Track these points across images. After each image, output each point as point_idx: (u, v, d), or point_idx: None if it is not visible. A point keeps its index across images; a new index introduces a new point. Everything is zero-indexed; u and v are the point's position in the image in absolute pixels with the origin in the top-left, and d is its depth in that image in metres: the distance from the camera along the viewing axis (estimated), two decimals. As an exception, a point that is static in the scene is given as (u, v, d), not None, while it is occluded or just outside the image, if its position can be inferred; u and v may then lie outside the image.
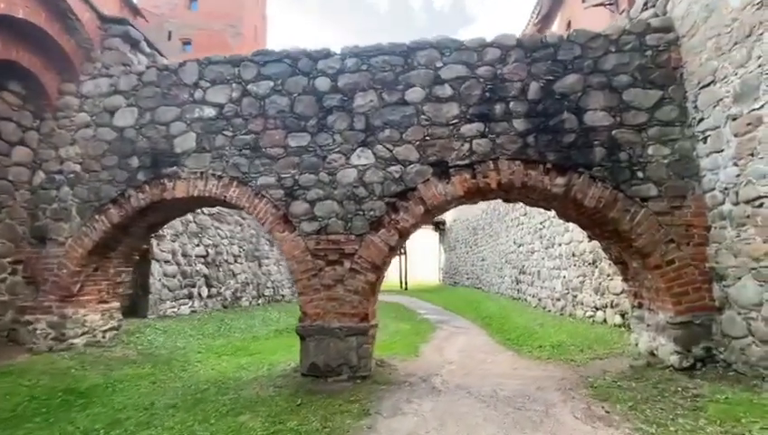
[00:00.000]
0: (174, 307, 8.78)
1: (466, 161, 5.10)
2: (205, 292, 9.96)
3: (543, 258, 10.48)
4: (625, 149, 4.88)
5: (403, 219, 5.15)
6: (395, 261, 43.32)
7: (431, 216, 5.53)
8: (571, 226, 8.66)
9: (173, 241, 8.74)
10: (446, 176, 5.14)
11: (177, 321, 8.58)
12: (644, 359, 4.91)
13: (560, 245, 9.36)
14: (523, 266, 12.30)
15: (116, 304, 6.66)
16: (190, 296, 9.42)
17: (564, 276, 9.00)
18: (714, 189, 4.51)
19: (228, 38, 27.97)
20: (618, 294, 6.78)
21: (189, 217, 9.54)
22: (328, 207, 5.33)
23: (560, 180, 4.90)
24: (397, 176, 5.24)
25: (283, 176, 5.49)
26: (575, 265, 8.48)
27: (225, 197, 5.63)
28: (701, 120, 4.62)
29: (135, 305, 8.04)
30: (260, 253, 12.53)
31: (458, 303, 16.80)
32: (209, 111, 5.84)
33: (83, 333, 6.11)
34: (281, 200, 5.45)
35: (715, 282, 4.49)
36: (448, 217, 30.46)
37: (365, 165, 5.33)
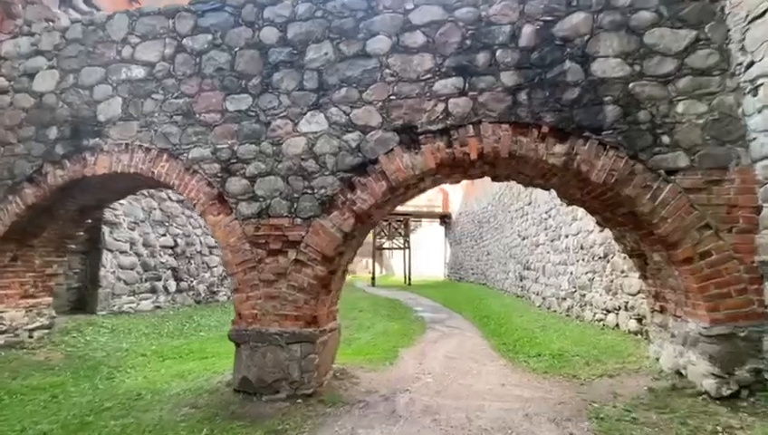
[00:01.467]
0: (132, 302, 7.94)
1: (440, 126, 4.03)
2: (173, 286, 9.11)
3: (549, 252, 9.33)
4: (646, 106, 3.74)
5: (360, 199, 4.11)
6: (398, 256, 42.60)
7: (397, 197, 4.48)
8: (580, 213, 7.50)
9: (131, 229, 7.89)
10: (415, 144, 4.08)
11: (134, 318, 7.74)
12: (667, 380, 3.80)
13: (566, 236, 8.20)
14: (528, 261, 11.15)
15: (46, 300, 5.81)
16: (154, 291, 8.58)
17: (571, 273, 7.86)
18: (766, 158, 3.36)
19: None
20: (633, 295, 5.64)
21: (153, 203, 8.68)
22: (270, 185, 4.34)
23: (559, 148, 3.79)
24: (354, 145, 4.21)
25: (219, 147, 4.51)
26: (584, 260, 7.33)
27: (153, 173, 4.68)
28: (750, 64, 3.45)
29: (83, 300, 7.22)
30: (240, 244, 11.69)
31: (459, 300, 15.71)
32: (138, 72, 4.89)
33: (1, 333, 5.27)
34: (216, 177, 4.48)
35: (766, 281, 3.35)
36: (454, 210, 29.26)
37: (316, 132, 4.31)
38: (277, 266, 4.19)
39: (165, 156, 4.66)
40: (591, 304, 6.90)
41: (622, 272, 5.89)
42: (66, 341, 5.91)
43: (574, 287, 7.70)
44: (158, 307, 8.67)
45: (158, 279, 8.71)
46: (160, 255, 8.77)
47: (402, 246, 30.04)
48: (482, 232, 20.61)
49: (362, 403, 3.94)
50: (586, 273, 7.13)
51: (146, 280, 8.35)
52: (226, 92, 4.59)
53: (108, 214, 7.50)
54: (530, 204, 11.18)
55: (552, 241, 9.15)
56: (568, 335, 6.41)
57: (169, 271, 9.02)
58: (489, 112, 3.96)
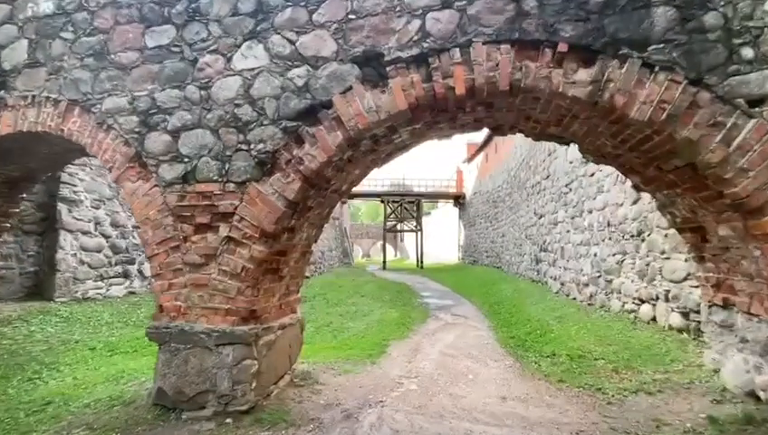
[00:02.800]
0: (100, 288, 7.23)
1: (415, 51, 2.91)
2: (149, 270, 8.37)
3: (568, 231, 8.10)
4: (716, 5, 2.51)
5: (309, 156, 3.07)
6: (410, 239, 41.86)
7: (365, 155, 3.41)
8: (606, 184, 6.24)
9: (95, 208, 7.11)
10: (381, 79, 2.97)
11: (101, 305, 7.03)
12: (736, 404, 2.68)
13: (589, 212, 6.96)
14: (544, 242, 9.93)
15: (-22, 286, 5.06)
16: (126, 275, 7.85)
17: (595, 254, 6.66)
18: None
19: None
20: (678, 282, 4.44)
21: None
22: (197, 140, 3.34)
23: (583, 74, 2.62)
24: (300, 84, 3.14)
25: (136, 95, 3.52)
26: (610, 239, 6.11)
27: (63, 131, 3.74)
28: None
29: (40, 286, 6.52)
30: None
31: (470, 284, 14.66)
32: (46, 6, 3.91)
33: None
34: (133, 133, 3.51)
35: None
36: (469, 190, 27.86)
37: (254, 69, 3.25)
38: (206, 246, 3.23)
39: (76, 110, 3.70)
40: (620, 292, 5.72)
41: (662, 253, 4.68)
42: (5, 332, 5.20)
43: (598, 271, 6.51)
44: (131, 293, 7.96)
45: (132, 262, 7.98)
46: (134, 236, 8.00)
47: (414, 229, 28.94)
48: (496, 212, 19.31)
49: (313, 424, 3.00)
50: (614, 254, 5.92)
51: (116, 263, 7.62)
52: (146, 24, 3.56)
53: (65, 190, 6.72)
54: (547, 177, 9.88)
55: (572, 218, 7.91)
56: (590, 330, 5.28)
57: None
58: (483, 29, 2.80)
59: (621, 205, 5.67)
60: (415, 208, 28.82)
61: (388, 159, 3.87)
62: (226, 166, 3.25)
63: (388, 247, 60.58)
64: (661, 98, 2.49)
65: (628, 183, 5.54)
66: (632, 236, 5.35)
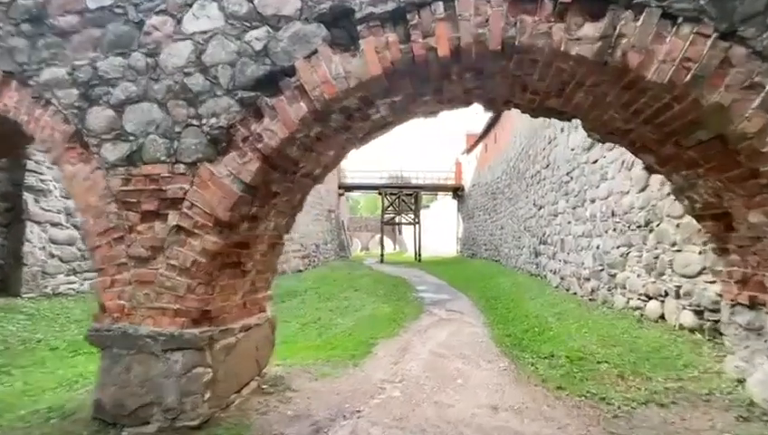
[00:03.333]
0: (73, 283, 6.83)
1: (390, 6, 2.45)
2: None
3: (569, 222, 7.67)
4: (754, -59, 2.05)
5: (268, 132, 2.63)
6: (409, 232, 41.60)
7: (337, 132, 2.97)
8: (611, 171, 5.80)
9: (66, 197, 6.67)
10: (352, 42, 2.52)
11: (72, 301, 6.64)
12: (766, 421, 2.27)
13: (592, 202, 6.52)
14: (544, 234, 9.51)
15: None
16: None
17: (597, 247, 6.24)
18: None
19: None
20: (691, 277, 4.02)
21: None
22: (144, 115, 2.90)
23: (589, 29, 2.17)
24: (259, 48, 2.68)
25: (77, 64, 3.07)
26: (614, 231, 5.69)
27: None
28: None
29: (7, 281, 6.11)
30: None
31: (467, 278, 14.28)
32: (-22, -34, 3.44)
33: None
34: (73, 108, 3.06)
35: None
36: (467, 182, 27.38)
37: (207, 32, 2.80)
38: (152, 237, 2.81)
39: (13, 83, 3.26)
40: (624, 287, 5.31)
41: (673, 245, 4.26)
42: (-42, 331, 4.80)
43: (601, 265, 6.09)
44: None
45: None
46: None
47: (412, 222, 28.52)
48: (495, 205, 18.88)
49: (275, 441, 2.60)
50: (618, 247, 5.50)
51: (90, 257, 7.19)
52: (87, -17, 3.10)
53: (31, 179, 6.28)
54: (547, 166, 9.42)
55: (573, 209, 7.48)
56: (592, 328, 4.88)
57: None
58: (470, -23, 2.34)
59: (627, 193, 5.24)
60: (413, 201, 28.36)
61: (366, 139, 3.43)
62: (175, 144, 2.81)
63: (387, 240, 60.38)
64: (685, 55, 2.04)
65: (635, 170, 5.11)
66: (639, 226, 4.92)
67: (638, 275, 4.91)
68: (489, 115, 20.14)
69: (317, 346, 5.36)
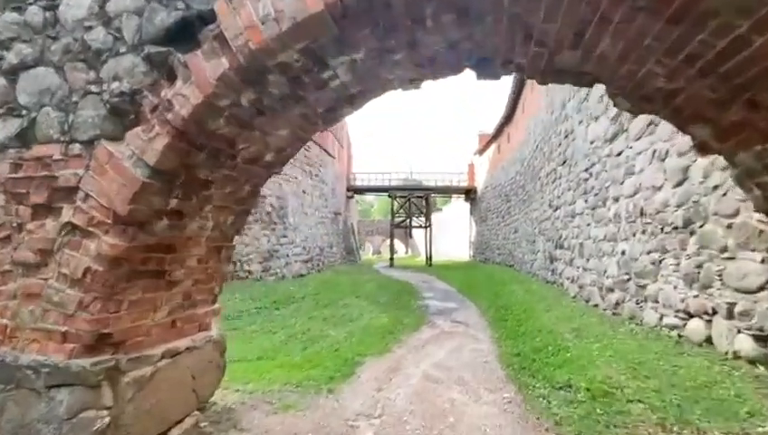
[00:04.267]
0: None
1: None
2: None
3: (589, 224, 6.81)
4: None
5: (180, 97, 1.97)
6: (420, 235, 40.98)
7: (274, 105, 2.28)
8: (639, 164, 4.96)
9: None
10: (288, -29, 1.84)
11: None
12: None
13: (615, 200, 5.67)
14: (560, 238, 8.64)
15: None
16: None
17: (623, 252, 5.39)
18: None
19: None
20: (751, 292, 3.17)
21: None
22: (38, 82, 2.29)
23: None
24: (172, -12, 2.04)
25: (-30, 24, 2.49)
26: (644, 233, 4.84)
27: None
28: None
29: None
30: (208, 219, 9.91)
31: (478, 284, 13.42)
32: None
33: None
34: (-37, 77, 2.47)
35: None
36: (480, 183, 26.43)
37: (112, -27, 2.17)
38: (43, 238, 2.18)
39: None
40: (657, 301, 4.46)
41: (723, 251, 3.41)
42: None
43: (627, 273, 5.24)
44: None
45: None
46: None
47: (423, 225, 27.68)
48: (509, 207, 17.96)
49: None
50: (648, 252, 4.65)
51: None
52: (-15, -74, 2.53)
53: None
54: (564, 163, 8.55)
55: (593, 209, 6.62)
56: (618, 350, 4.05)
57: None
58: None
59: (659, 188, 4.40)
60: (424, 204, 27.55)
61: (331, 117, 2.74)
62: (71, 118, 2.19)
63: (399, 244, 59.69)
64: (779, -50, 1.29)
65: (670, 160, 4.27)
66: (676, 228, 4.08)
67: (675, 287, 4.05)
68: (501, 116, 19.26)
69: (294, 365, 4.68)
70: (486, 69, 2.49)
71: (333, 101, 2.56)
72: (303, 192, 14.95)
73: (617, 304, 5.46)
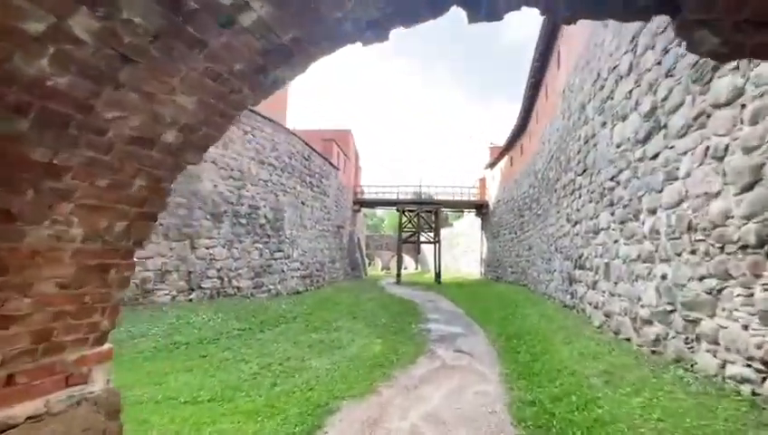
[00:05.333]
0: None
1: None
2: (73, 282, 6.76)
3: (616, 241, 5.80)
4: None
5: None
6: (429, 251, 39.97)
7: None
8: (684, 166, 4.00)
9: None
10: None
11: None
12: None
13: (652, 212, 4.68)
14: (581, 257, 7.60)
15: None
16: None
17: (664, 276, 4.36)
18: None
19: None
20: None
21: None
22: None
23: None
24: None
25: None
26: (694, 253, 3.83)
27: None
28: None
29: None
30: (192, 229, 9.17)
31: (488, 306, 12.34)
32: None
33: None
34: None
35: None
36: (492, 197, 25.37)
37: None
38: None
39: None
40: (717, 343, 3.42)
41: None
42: None
43: (671, 303, 4.21)
44: (43, 311, 6.32)
45: None
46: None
47: (432, 240, 26.62)
48: (522, 222, 16.89)
49: None
50: (701, 278, 3.63)
51: None
52: None
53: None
54: (584, 172, 7.57)
55: (621, 223, 5.61)
56: (668, 411, 3.02)
57: (68, 262, 6.68)
58: None
59: (716, 195, 3.42)
60: (433, 218, 26.56)
61: (260, 81, 1.90)
62: None
63: (409, 260, 58.50)
64: None
65: (733, 158, 3.31)
66: (743, 247, 3.07)
67: (746, 327, 3.03)
68: (514, 125, 18.38)
69: (251, 411, 3.76)
70: (481, 3, 1.62)
71: (257, 53, 1.73)
72: (303, 203, 14.20)
73: (656, 340, 4.41)
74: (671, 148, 4.24)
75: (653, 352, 4.46)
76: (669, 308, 4.17)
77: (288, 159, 12.95)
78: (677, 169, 4.09)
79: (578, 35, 8.39)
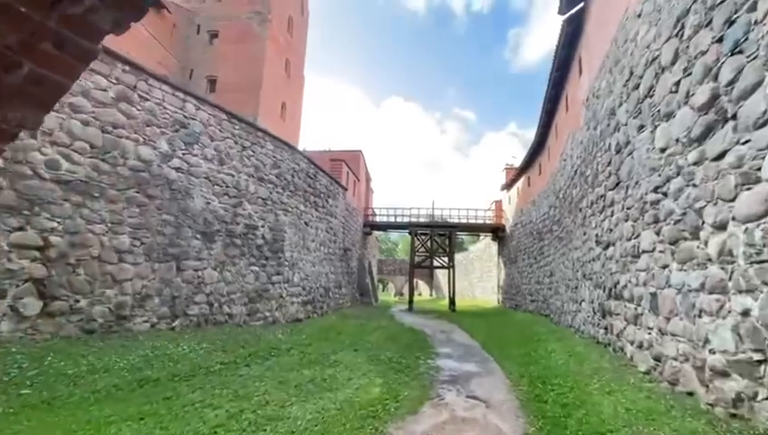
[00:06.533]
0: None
1: None
2: (33, 306, 5.99)
3: (666, 266, 4.70)
4: None
5: None
6: (443, 275, 38.67)
7: None
8: (773, 163, 2.97)
9: (-67, 215, 4.93)
10: None
11: None
12: None
13: (719, 228, 3.63)
14: (616, 284, 6.46)
15: None
16: (-14, 314, 5.50)
17: (746, 313, 3.26)
18: None
19: (254, 25, 25.85)
20: None
21: (0, 179, 5.71)
22: None
23: None
24: None
25: None
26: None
27: None
28: None
29: None
30: (179, 249, 8.41)
31: (506, 338, 11.08)
32: None
33: None
34: None
35: None
36: (508, 221, 24.16)
37: None
38: None
39: None
40: None
41: None
42: None
43: (760, 350, 3.10)
44: (-8, 340, 5.56)
45: (1, 295, 5.64)
46: (10, 258, 5.73)
47: (446, 265, 25.34)
48: (542, 246, 15.67)
49: None
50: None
51: (-33, 297, 5.31)
52: None
53: None
54: (616, 186, 6.54)
55: (673, 244, 4.54)
56: None
57: (29, 283, 5.93)
58: None
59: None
60: (447, 242, 25.41)
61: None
62: None
63: (423, 286, 56.66)
64: None
65: None
66: None
67: None
68: (531, 143, 17.47)
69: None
70: None
71: None
72: (306, 224, 13.42)
73: (738, 399, 3.27)
74: (745, 143, 3.26)
75: (733, 415, 3.30)
76: (758, 357, 3.06)
77: (291, 176, 12.28)
78: (758, 169, 3.09)
79: (603, 34, 7.59)
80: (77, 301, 6.58)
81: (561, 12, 9.04)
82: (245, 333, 9.65)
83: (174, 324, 8.17)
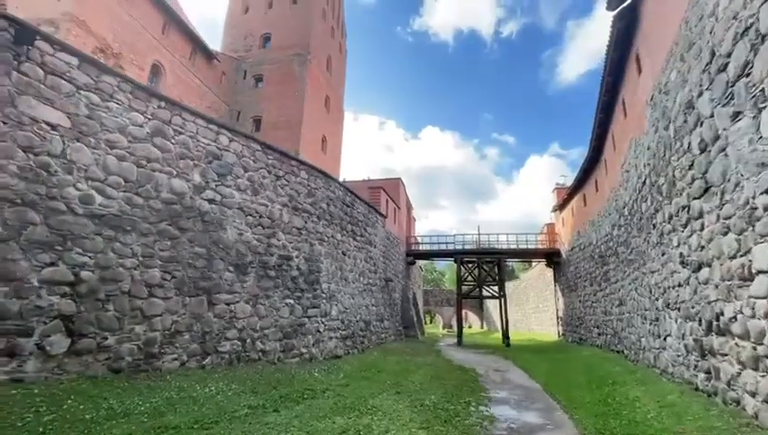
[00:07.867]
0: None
1: None
2: (61, 344, 5.81)
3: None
4: None
5: None
6: (494, 306, 36.24)
7: None
8: None
9: (-35, 252, 4.95)
10: None
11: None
12: None
13: None
14: (719, 316, 5.09)
15: None
16: (12, 353, 5.35)
17: None
18: None
19: (295, 66, 27.21)
20: None
21: (34, 215, 5.75)
22: None
23: None
24: None
25: None
26: None
27: None
28: None
29: None
30: (211, 283, 8.12)
31: (573, 380, 9.53)
32: None
33: None
34: None
35: None
36: (563, 244, 22.15)
37: None
38: None
39: None
40: None
41: None
42: None
43: None
44: (17, 381, 5.37)
45: (26, 333, 5.51)
46: (40, 295, 5.65)
47: (496, 295, 23.51)
48: (607, 271, 13.87)
49: None
50: None
51: (-6, 335, 5.20)
52: None
53: None
54: (704, 192, 5.32)
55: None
56: None
57: (57, 320, 5.80)
58: None
59: None
60: (496, 270, 23.73)
61: None
62: None
63: (473, 317, 53.63)
64: None
65: None
66: None
67: None
68: (584, 158, 16.00)
69: None
70: None
71: None
72: (344, 254, 12.90)
73: None
74: None
75: None
76: None
77: (326, 205, 11.97)
78: None
79: (667, 19, 6.57)
80: (105, 338, 6.37)
81: (610, 7, 8.15)
82: (279, 371, 9.05)
83: (204, 362, 7.76)
